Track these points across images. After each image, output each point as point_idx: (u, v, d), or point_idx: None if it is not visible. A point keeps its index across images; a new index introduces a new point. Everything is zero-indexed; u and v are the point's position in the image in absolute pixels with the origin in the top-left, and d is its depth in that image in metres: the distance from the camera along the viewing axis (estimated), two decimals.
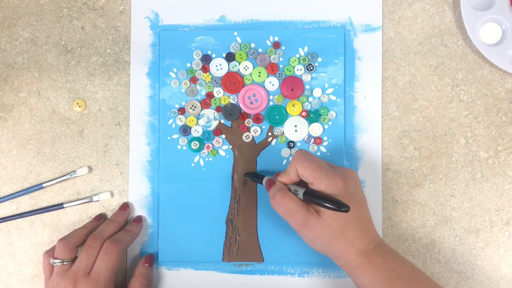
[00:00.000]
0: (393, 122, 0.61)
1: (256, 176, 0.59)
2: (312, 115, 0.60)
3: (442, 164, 0.60)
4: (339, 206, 0.48)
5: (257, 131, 0.61)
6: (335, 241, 0.51)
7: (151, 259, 0.60)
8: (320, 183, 0.51)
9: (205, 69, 0.61)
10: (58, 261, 0.56)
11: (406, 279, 0.50)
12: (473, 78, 0.60)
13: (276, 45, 0.61)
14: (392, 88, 0.61)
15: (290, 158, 0.60)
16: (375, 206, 0.60)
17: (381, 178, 0.60)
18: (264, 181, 0.56)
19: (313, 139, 0.60)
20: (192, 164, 0.61)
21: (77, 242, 0.57)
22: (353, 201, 0.51)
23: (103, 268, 0.55)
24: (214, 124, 0.61)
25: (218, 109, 0.61)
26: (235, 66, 0.61)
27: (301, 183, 0.54)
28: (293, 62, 0.60)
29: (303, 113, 0.60)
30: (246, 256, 0.60)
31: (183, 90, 0.61)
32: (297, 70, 0.61)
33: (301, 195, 0.52)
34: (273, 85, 0.61)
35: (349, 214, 0.51)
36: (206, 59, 0.61)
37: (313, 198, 0.50)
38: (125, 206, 0.61)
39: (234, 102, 0.61)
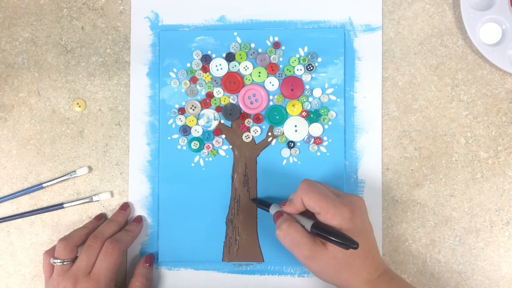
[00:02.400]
0: (393, 122, 0.61)
1: (262, 203, 0.59)
2: (312, 115, 0.60)
3: (442, 164, 0.60)
4: (348, 242, 0.48)
5: (257, 131, 0.61)
6: (342, 272, 0.51)
7: (151, 259, 0.59)
8: (326, 213, 0.51)
9: (205, 69, 0.61)
10: (58, 261, 0.56)
11: None
12: (473, 78, 0.60)
13: (276, 45, 0.61)
14: (392, 88, 0.61)
15: (291, 158, 0.60)
16: (375, 206, 0.60)
17: (381, 178, 0.60)
18: (271, 211, 0.56)
19: (313, 139, 0.60)
20: (192, 164, 0.61)
21: (77, 242, 0.57)
22: (359, 232, 0.51)
23: (103, 268, 0.55)
24: (214, 124, 0.61)
25: (218, 109, 0.61)
26: (235, 66, 0.61)
27: (307, 212, 0.54)
28: (293, 62, 0.60)
29: (303, 113, 0.60)
30: (246, 256, 0.60)
31: (183, 90, 0.61)
32: (297, 70, 0.61)
33: (308, 228, 0.52)
34: (273, 85, 0.61)
35: None
36: (206, 59, 0.61)
37: (321, 232, 0.50)
38: (125, 206, 0.61)
39: (234, 102, 0.61)
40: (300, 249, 0.51)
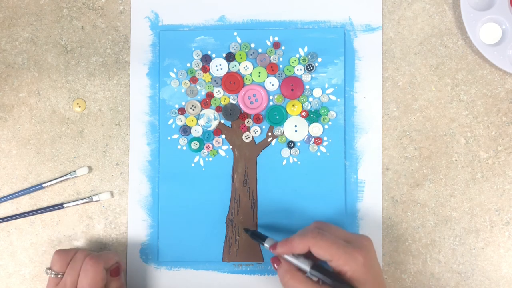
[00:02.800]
0: (393, 122, 0.61)
1: (256, 235, 0.58)
2: (312, 115, 0.60)
3: (442, 164, 0.60)
4: None
5: (257, 131, 0.61)
6: None
7: (117, 269, 0.57)
8: (338, 260, 0.50)
9: (205, 69, 0.61)
10: (50, 272, 0.56)
11: None
12: (473, 78, 0.60)
13: (276, 45, 0.61)
14: (392, 88, 0.61)
15: (291, 158, 0.60)
16: (375, 206, 0.60)
17: (381, 178, 0.60)
18: (268, 243, 0.55)
19: (313, 139, 0.60)
20: (192, 164, 0.61)
21: (71, 258, 0.56)
22: (370, 275, 0.50)
23: (85, 283, 0.54)
24: (214, 124, 0.61)
25: (218, 109, 0.61)
26: (235, 66, 0.61)
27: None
28: (293, 62, 0.60)
29: (303, 113, 0.60)
30: (246, 256, 0.60)
31: (183, 90, 0.61)
32: (297, 70, 0.61)
33: (307, 269, 0.51)
34: (273, 85, 0.61)
35: None
36: (206, 59, 0.61)
37: (323, 273, 0.50)
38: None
39: (234, 102, 0.61)
40: None
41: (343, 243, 0.51)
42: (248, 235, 0.59)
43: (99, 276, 0.54)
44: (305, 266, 0.52)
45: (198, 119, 0.61)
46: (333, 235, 0.52)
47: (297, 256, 0.53)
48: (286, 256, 0.53)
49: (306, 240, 0.51)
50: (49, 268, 0.56)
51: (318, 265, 0.52)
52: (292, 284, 0.51)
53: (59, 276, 0.55)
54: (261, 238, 0.56)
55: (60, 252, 0.56)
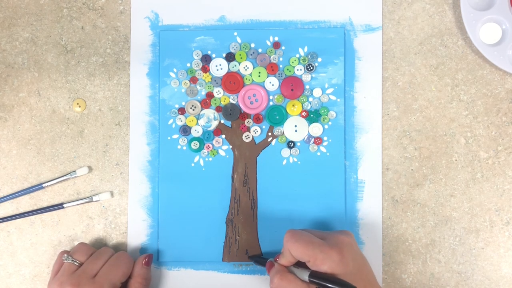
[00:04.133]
0: (393, 122, 0.61)
1: (259, 260, 0.58)
2: (312, 115, 0.60)
3: (442, 164, 0.60)
4: (346, 286, 0.48)
5: (257, 131, 0.61)
6: None
7: (150, 259, 0.59)
8: (315, 260, 0.50)
9: (205, 69, 0.61)
10: (70, 258, 0.56)
11: None
12: (473, 78, 0.60)
13: (276, 45, 0.61)
14: (392, 88, 0.61)
15: (291, 158, 0.60)
16: (375, 206, 0.60)
17: (381, 178, 0.60)
18: (266, 265, 0.56)
19: (313, 139, 0.60)
20: (192, 164, 0.61)
21: (92, 252, 0.58)
22: (353, 273, 0.50)
23: (110, 273, 0.55)
24: (214, 124, 0.61)
25: (218, 109, 0.61)
26: (235, 66, 0.61)
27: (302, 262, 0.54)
28: (293, 62, 0.60)
29: (303, 113, 0.60)
30: (246, 256, 0.60)
31: (183, 90, 0.61)
32: (297, 70, 0.61)
33: (306, 278, 0.51)
34: (273, 85, 0.61)
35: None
36: (206, 59, 0.61)
37: (320, 280, 0.50)
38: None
39: (234, 102, 0.61)
40: None
41: (318, 242, 0.51)
42: (253, 262, 0.60)
43: (126, 271, 0.57)
44: (304, 274, 0.52)
45: (198, 119, 0.61)
46: (308, 236, 0.52)
47: (297, 266, 0.53)
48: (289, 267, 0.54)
49: (285, 245, 0.53)
50: (69, 255, 0.56)
51: (317, 273, 0.51)
52: (281, 285, 0.52)
53: (76, 264, 0.56)
54: (264, 260, 0.57)
55: (84, 244, 0.59)
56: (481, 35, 0.59)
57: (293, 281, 0.51)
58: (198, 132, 0.61)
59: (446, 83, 0.60)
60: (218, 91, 0.61)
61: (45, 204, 0.62)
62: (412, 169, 0.60)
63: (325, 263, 0.50)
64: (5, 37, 0.63)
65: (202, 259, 0.61)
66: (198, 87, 0.61)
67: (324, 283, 0.49)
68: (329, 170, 0.60)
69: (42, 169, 0.62)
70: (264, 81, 0.61)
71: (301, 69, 0.61)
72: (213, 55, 0.61)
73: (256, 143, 0.61)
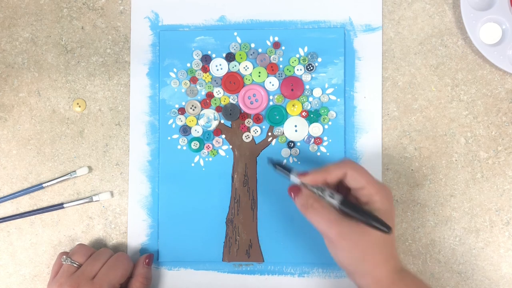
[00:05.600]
0: (393, 122, 0.61)
1: (281, 166, 0.55)
2: (312, 115, 0.60)
3: (442, 164, 0.60)
4: (383, 224, 0.47)
5: (257, 131, 0.61)
6: (367, 258, 0.48)
7: (151, 259, 0.59)
8: (371, 188, 0.50)
9: (205, 69, 0.61)
10: (69, 260, 0.56)
11: None
12: (473, 78, 0.60)
13: (276, 45, 0.61)
14: (392, 88, 0.61)
15: (291, 158, 0.60)
16: None
17: (381, 178, 0.60)
18: (294, 177, 0.53)
19: (313, 139, 0.60)
20: (192, 164, 0.61)
21: (91, 253, 0.58)
22: (393, 211, 0.50)
23: (109, 274, 0.55)
24: (214, 124, 0.61)
25: (218, 109, 0.61)
26: (235, 66, 0.61)
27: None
28: (293, 62, 0.60)
29: (303, 113, 0.60)
30: (246, 256, 0.60)
31: (183, 90, 0.61)
32: (297, 70, 0.61)
33: (336, 203, 0.49)
34: (273, 85, 0.61)
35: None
36: (206, 59, 0.61)
37: (354, 211, 0.48)
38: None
39: (234, 102, 0.61)
40: (332, 226, 0.48)
41: (375, 177, 0.51)
42: (272, 167, 0.56)
43: (125, 272, 0.57)
44: (335, 200, 0.50)
45: (198, 119, 0.61)
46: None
47: (322, 189, 0.51)
48: (312, 188, 0.51)
49: (343, 166, 0.51)
50: (68, 257, 0.56)
51: (349, 202, 0.49)
52: (316, 207, 0.50)
53: (75, 265, 0.56)
54: (287, 169, 0.54)
55: (83, 245, 0.59)
56: (481, 35, 0.59)
57: (330, 208, 0.50)
58: (198, 132, 0.61)
59: (446, 83, 0.60)
60: (218, 91, 0.61)
61: (45, 204, 0.62)
62: (412, 169, 0.60)
63: (380, 193, 0.49)
64: (5, 37, 0.63)
65: (202, 259, 0.61)
66: (198, 87, 0.61)
67: (358, 215, 0.47)
68: None
69: (42, 169, 0.62)
70: (264, 81, 0.61)
71: (301, 69, 0.61)
72: (213, 55, 0.61)
73: (256, 143, 0.61)
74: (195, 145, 0.61)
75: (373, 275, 0.49)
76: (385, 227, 0.47)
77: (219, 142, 0.61)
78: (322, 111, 0.60)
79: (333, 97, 0.60)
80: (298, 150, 0.60)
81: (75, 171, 0.62)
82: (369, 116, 0.60)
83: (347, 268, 0.51)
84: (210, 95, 0.61)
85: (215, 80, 0.61)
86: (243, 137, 0.61)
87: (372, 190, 0.50)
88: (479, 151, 0.60)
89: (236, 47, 0.61)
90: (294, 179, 0.53)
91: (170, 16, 0.62)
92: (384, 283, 0.49)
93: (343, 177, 0.51)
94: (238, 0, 0.62)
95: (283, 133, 0.61)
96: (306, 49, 0.61)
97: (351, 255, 0.49)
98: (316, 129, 0.60)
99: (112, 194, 0.62)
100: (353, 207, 0.49)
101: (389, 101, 0.61)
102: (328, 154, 0.60)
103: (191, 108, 0.61)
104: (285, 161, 0.60)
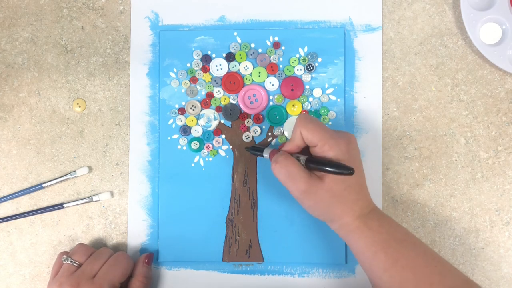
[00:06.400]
0: (393, 122, 0.61)
1: (256, 149, 0.58)
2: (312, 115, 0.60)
3: (442, 164, 0.60)
4: (344, 169, 0.49)
5: (257, 131, 0.61)
6: (335, 206, 0.51)
7: (151, 258, 0.59)
8: (324, 144, 0.51)
9: (205, 69, 0.61)
10: (69, 259, 0.56)
11: (401, 241, 0.51)
12: (473, 78, 0.60)
13: (276, 45, 0.61)
14: (392, 88, 0.61)
15: None
16: None
17: (381, 178, 0.60)
18: (266, 152, 0.56)
19: None
20: (192, 164, 0.61)
21: (91, 253, 0.58)
22: (354, 165, 0.51)
23: (109, 273, 0.55)
24: (214, 124, 0.61)
25: (218, 109, 0.61)
26: (235, 66, 0.61)
27: (303, 152, 0.54)
28: (293, 62, 0.61)
29: (303, 113, 0.60)
30: (246, 256, 0.60)
31: (183, 90, 0.61)
32: (297, 70, 0.61)
33: (303, 162, 0.52)
34: (273, 85, 0.61)
35: (350, 178, 0.51)
36: (206, 59, 0.61)
37: (317, 164, 0.51)
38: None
39: (234, 102, 0.61)
40: (296, 182, 0.51)
41: (330, 130, 0.53)
42: (250, 152, 0.59)
43: (125, 271, 0.57)
44: (301, 158, 0.52)
45: (198, 119, 0.61)
46: (321, 122, 0.54)
47: (298, 155, 0.53)
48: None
49: (297, 125, 0.53)
50: (68, 256, 0.56)
51: (315, 158, 0.52)
52: (285, 164, 0.52)
53: (75, 264, 0.56)
54: (260, 151, 0.57)
55: (83, 245, 0.59)
56: (481, 35, 0.59)
57: (296, 163, 0.52)
58: (198, 132, 0.61)
59: (446, 83, 0.60)
60: (218, 91, 0.61)
61: (45, 204, 0.62)
62: (412, 169, 0.60)
63: (333, 149, 0.51)
64: (5, 37, 0.63)
65: (202, 259, 0.61)
66: (198, 87, 0.61)
67: (321, 166, 0.50)
68: None
69: (42, 169, 0.62)
70: (264, 81, 0.61)
71: (301, 69, 0.61)
72: (213, 55, 0.61)
73: (256, 143, 0.61)
74: (195, 145, 0.61)
75: (339, 221, 0.52)
76: (347, 170, 0.49)
77: (219, 142, 0.61)
78: (322, 111, 0.60)
79: (333, 97, 0.60)
80: None
81: (75, 171, 0.62)
82: (369, 116, 0.60)
83: (318, 217, 0.53)
84: (210, 95, 0.61)
85: (215, 80, 0.61)
86: (243, 137, 0.61)
87: (325, 147, 0.51)
88: (479, 151, 0.60)
89: (236, 47, 0.61)
90: (267, 152, 0.56)
91: (170, 16, 0.62)
92: (349, 228, 0.52)
93: (303, 141, 0.53)
94: (238, 0, 0.62)
95: (283, 133, 0.61)
96: (306, 49, 0.61)
97: (317, 209, 0.53)
98: None
99: (112, 194, 0.62)
100: (316, 161, 0.51)
101: (389, 101, 0.61)
102: None
103: (191, 108, 0.61)
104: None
